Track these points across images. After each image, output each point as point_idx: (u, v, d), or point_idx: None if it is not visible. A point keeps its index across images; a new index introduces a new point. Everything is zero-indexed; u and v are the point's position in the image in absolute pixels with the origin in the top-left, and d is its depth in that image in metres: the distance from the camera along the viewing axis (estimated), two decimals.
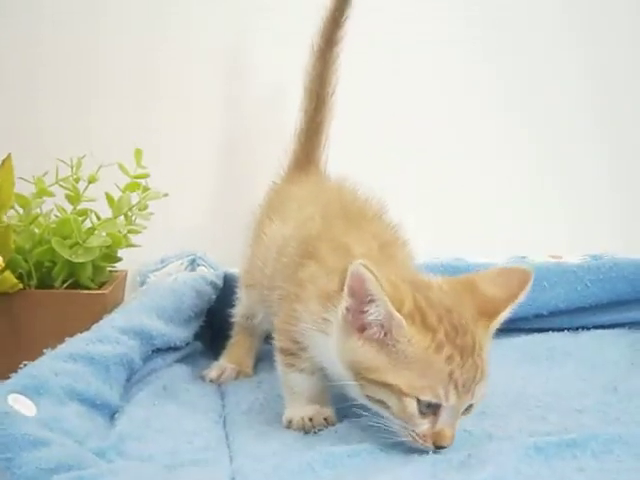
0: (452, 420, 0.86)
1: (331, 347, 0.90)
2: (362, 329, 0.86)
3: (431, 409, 0.85)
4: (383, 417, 0.87)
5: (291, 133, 1.29)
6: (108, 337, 1.02)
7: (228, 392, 1.13)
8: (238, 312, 1.23)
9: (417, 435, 0.85)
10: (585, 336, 1.38)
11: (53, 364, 0.92)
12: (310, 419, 0.96)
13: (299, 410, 0.98)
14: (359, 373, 0.86)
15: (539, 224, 1.56)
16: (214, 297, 1.29)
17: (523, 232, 1.50)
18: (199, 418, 1.01)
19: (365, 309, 0.85)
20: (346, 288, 0.85)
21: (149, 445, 0.89)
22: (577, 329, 1.41)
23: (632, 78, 1.62)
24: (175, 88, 1.48)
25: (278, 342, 1.00)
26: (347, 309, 0.87)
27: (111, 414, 0.97)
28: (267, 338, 1.19)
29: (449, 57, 1.55)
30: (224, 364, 1.20)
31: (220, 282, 1.32)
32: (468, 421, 0.96)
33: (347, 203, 1.07)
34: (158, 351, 1.15)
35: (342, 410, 0.98)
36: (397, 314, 0.84)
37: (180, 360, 1.21)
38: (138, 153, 1.18)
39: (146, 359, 1.12)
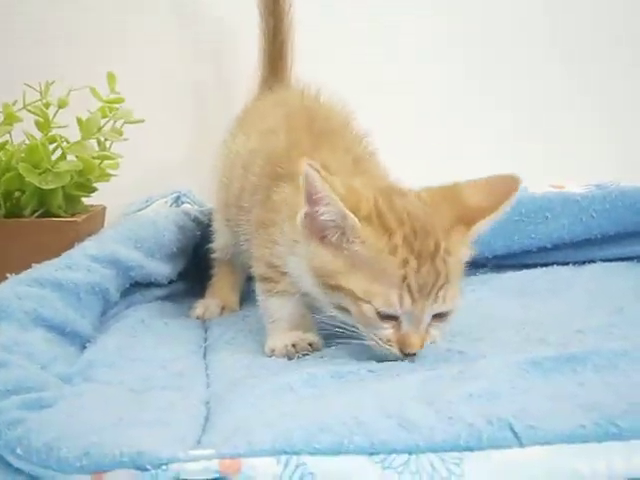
0: (416, 326, 0.83)
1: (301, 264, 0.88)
2: (321, 235, 0.84)
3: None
4: (352, 326, 0.85)
5: None
6: (78, 264, 0.96)
7: (212, 326, 1.08)
8: (216, 245, 1.17)
9: (380, 340, 0.83)
10: (590, 269, 1.31)
11: (16, 288, 0.88)
12: (293, 345, 0.91)
13: (281, 337, 0.92)
14: (322, 280, 0.85)
15: (538, 154, 1.49)
16: (199, 234, 1.24)
17: (522, 162, 1.42)
18: (178, 348, 0.96)
19: (317, 209, 0.83)
20: (303, 193, 0.83)
21: (120, 372, 0.84)
22: (583, 263, 1.34)
23: None
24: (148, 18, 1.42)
25: (256, 269, 0.97)
26: (305, 214, 0.85)
27: (82, 344, 0.92)
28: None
29: None
30: (208, 300, 1.15)
31: (204, 218, 1.26)
32: (462, 344, 0.92)
33: (312, 112, 1.03)
34: (137, 285, 1.10)
35: (330, 336, 0.92)
36: (350, 214, 0.81)
37: (162, 298, 1.16)
38: (111, 77, 1.12)
39: (124, 293, 1.07)
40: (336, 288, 0.84)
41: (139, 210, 1.36)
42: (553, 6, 1.54)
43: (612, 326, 0.95)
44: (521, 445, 0.64)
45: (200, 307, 1.13)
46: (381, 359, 0.85)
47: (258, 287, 0.97)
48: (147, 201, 1.38)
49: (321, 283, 0.85)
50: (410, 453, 0.62)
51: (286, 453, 0.61)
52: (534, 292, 1.17)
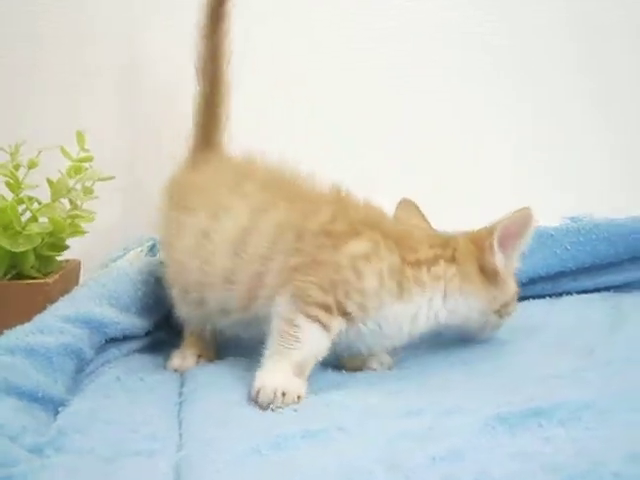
0: None
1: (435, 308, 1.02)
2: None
3: None
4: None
5: None
6: (50, 327, 0.97)
7: (187, 378, 1.07)
8: (179, 314, 1.15)
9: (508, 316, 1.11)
10: (566, 301, 1.34)
11: None
12: (283, 394, 0.91)
13: (278, 377, 0.92)
14: (500, 307, 1.07)
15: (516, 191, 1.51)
16: None
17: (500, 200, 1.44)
18: (152, 407, 0.95)
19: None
20: (501, 237, 1.05)
21: (92, 438, 0.84)
22: (560, 294, 1.37)
23: None
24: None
25: (315, 295, 0.96)
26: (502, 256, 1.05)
27: (56, 408, 0.92)
28: None
29: None
30: (184, 351, 1.14)
31: None
32: (435, 394, 0.93)
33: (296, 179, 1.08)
34: (113, 341, 1.10)
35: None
36: None
37: (140, 350, 1.17)
38: (80, 136, 1.13)
39: (99, 349, 1.07)
40: (507, 305, 1.07)
41: (117, 258, 1.37)
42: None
43: (582, 370, 0.95)
44: None
45: (176, 358, 1.13)
46: None
47: (298, 308, 0.96)
48: (124, 249, 1.39)
49: (500, 309, 1.07)
50: None
51: None
52: (511, 331, 1.18)
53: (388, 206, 1.12)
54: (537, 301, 1.34)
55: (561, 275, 1.37)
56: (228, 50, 1.19)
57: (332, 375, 1.03)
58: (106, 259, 1.35)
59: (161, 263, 1.17)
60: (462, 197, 1.53)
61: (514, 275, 1.11)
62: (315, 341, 0.96)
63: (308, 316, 0.95)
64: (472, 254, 1.06)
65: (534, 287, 1.35)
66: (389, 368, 1.06)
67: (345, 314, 0.98)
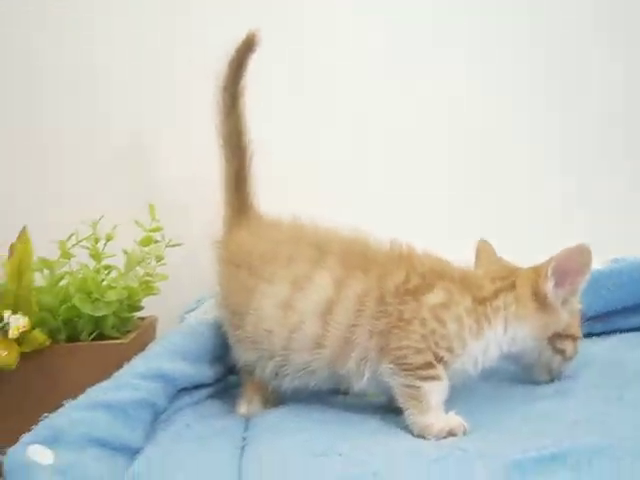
0: None
1: (499, 338, 1.12)
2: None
3: None
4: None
5: None
6: (125, 384, 1.09)
7: (252, 424, 1.16)
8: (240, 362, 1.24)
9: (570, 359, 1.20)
10: (615, 340, 1.39)
11: (70, 414, 1.01)
12: (450, 430, 1.04)
13: (440, 419, 1.05)
14: (556, 337, 1.16)
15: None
16: None
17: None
18: (216, 453, 1.05)
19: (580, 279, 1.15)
20: (557, 267, 1.13)
21: None
22: (609, 333, 1.42)
23: None
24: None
25: (413, 360, 1.07)
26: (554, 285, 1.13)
27: (133, 455, 1.04)
28: None
29: None
30: (251, 396, 1.24)
31: None
32: (468, 438, 1.02)
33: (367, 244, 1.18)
34: (184, 389, 1.21)
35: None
36: None
37: (211, 396, 1.28)
38: (152, 208, 1.27)
39: (173, 398, 1.19)
40: (567, 336, 1.16)
41: (191, 310, 1.50)
42: None
43: (606, 415, 1.02)
44: None
45: (244, 404, 1.23)
46: None
47: (410, 376, 1.07)
48: (198, 302, 1.52)
49: (552, 339, 1.15)
50: None
51: None
52: None
53: None
54: (586, 340, 1.38)
55: (608, 315, 1.42)
56: (247, 121, 1.27)
57: (374, 419, 1.13)
58: (182, 313, 1.49)
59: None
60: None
61: (575, 314, 1.19)
62: (437, 391, 1.07)
63: (421, 378, 1.07)
64: (529, 281, 1.15)
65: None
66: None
67: (440, 361, 1.08)
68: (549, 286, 1.14)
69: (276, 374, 1.17)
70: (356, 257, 1.15)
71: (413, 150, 1.66)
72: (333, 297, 1.12)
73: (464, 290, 1.12)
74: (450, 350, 1.08)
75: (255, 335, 1.16)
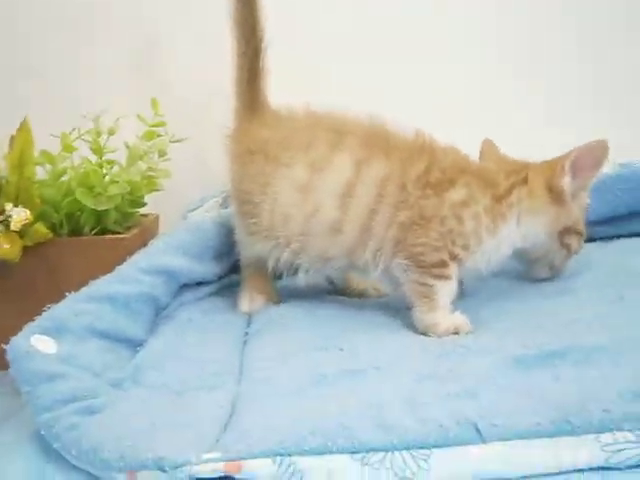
0: None
1: (512, 233, 1.12)
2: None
3: None
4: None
5: None
6: (129, 278, 1.09)
7: (253, 319, 1.18)
8: (248, 257, 1.24)
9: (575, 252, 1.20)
10: (618, 244, 1.39)
11: (73, 305, 1.01)
12: (455, 328, 1.05)
13: (447, 318, 1.06)
14: (565, 231, 1.16)
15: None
16: None
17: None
18: (219, 346, 1.07)
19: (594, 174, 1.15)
20: (574, 161, 1.12)
21: (163, 374, 0.96)
22: (611, 238, 1.41)
23: None
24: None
25: (429, 258, 1.08)
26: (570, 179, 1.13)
27: (135, 347, 1.06)
28: None
29: None
30: (252, 293, 1.24)
31: None
32: (469, 336, 1.03)
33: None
34: (187, 286, 1.22)
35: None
36: None
37: (214, 293, 1.29)
38: (154, 103, 1.25)
39: (175, 294, 1.19)
40: (575, 232, 1.16)
41: (194, 209, 1.49)
42: None
43: (606, 314, 1.03)
44: (483, 442, 0.74)
45: (245, 301, 1.23)
46: None
47: (424, 273, 1.08)
48: (201, 200, 1.51)
49: (562, 234, 1.16)
50: (386, 451, 0.74)
51: (280, 455, 0.74)
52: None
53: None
54: (589, 244, 1.38)
55: (612, 219, 1.41)
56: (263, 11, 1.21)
57: (376, 317, 1.14)
58: (184, 211, 1.48)
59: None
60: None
61: (583, 209, 1.19)
62: (447, 290, 1.08)
63: (434, 276, 1.07)
64: (543, 174, 1.14)
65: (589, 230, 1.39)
66: (383, 294, 1.25)
67: (455, 258, 1.08)
68: (566, 180, 1.13)
69: (291, 264, 1.16)
70: (378, 139, 1.13)
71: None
72: (353, 178, 1.10)
73: (484, 187, 1.11)
74: (466, 248, 1.08)
75: (271, 222, 1.14)
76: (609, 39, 1.63)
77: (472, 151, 1.18)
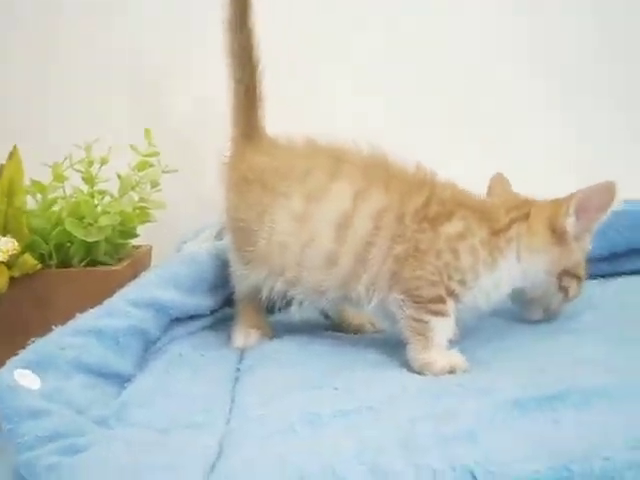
0: None
1: (512, 270, 1.09)
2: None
3: None
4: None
5: None
6: (117, 311, 1.07)
7: (247, 355, 1.15)
8: (242, 289, 1.22)
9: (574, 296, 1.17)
10: (621, 283, 1.37)
11: (59, 339, 0.99)
12: (452, 368, 1.02)
13: (443, 356, 1.03)
14: (564, 273, 1.13)
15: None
16: None
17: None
18: (209, 382, 1.04)
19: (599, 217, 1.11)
20: (580, 203, 1.10)
21: (151, 411, 0.93)
22: (612, 275, 1.39)
23: None
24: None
25: (425, 293, 1.05)
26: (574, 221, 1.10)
27: (122, 383, 1.02)
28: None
29: None
30: (246, 328, 1.21)
31: None
32: (467, 375, 1.00)
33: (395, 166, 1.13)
34: (178, 320, 1.19)
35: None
36: None
37: (207, 327, 1.26)
38: (148, 133, 1.23)
39: (166, 328, 1.17)
40: (575, 275, 1.13)
41: (189, 240, 1.47)
42: None
43: (607, 356, 1.00)
44: None
45: (240, 336, 1.20)
46: None
47: (421, 308, 1.05)
48: (195, 232, 1.49)
49: (561, 275, 1.12)
50: None
51: None
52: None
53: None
54: (589, 281, 1.36)
55: (616, 256, 1.39)
56: (257, 38, 1.20)
57: (372, 354, 1.11)
58: (178, 243, 1.46)
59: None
60: None
61: (585, 253, 1.16)
62: (443, 327, 1.05)
63: (431, 312, 1.05)
64: (546, 213, 1.11)
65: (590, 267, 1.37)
66: (379, 329, 1.22)
67: (452, 294, 1.06)
68: (570, 221, 1.10)
69: (285, 294, 1.14)
70: (377, 170, 1.11)
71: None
72: (350, 209, 1.08)
73: (481, 221, 1.08)
74: (462, 283, 1.06)
75: (267, 250, 1.12)
76: None
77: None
